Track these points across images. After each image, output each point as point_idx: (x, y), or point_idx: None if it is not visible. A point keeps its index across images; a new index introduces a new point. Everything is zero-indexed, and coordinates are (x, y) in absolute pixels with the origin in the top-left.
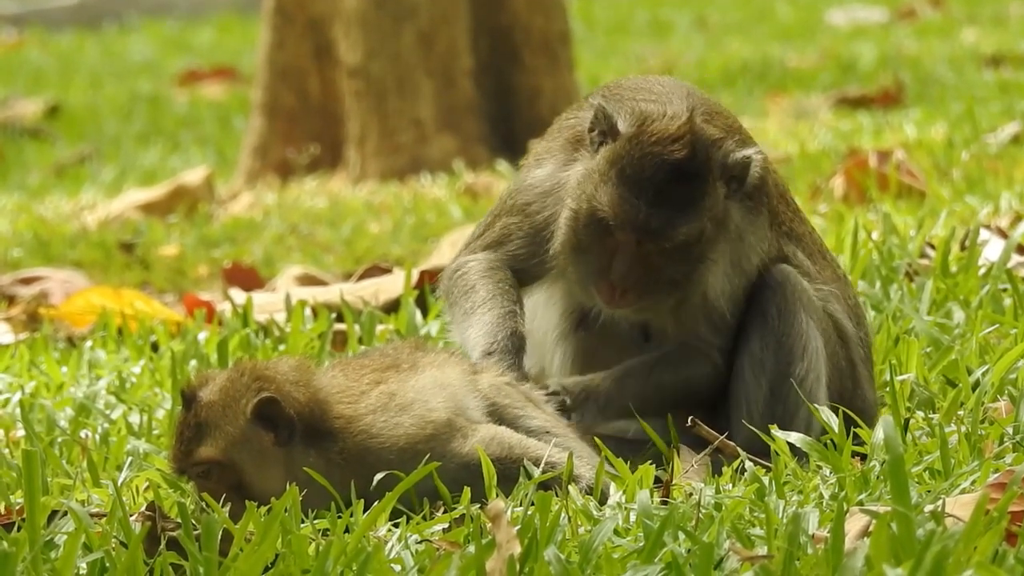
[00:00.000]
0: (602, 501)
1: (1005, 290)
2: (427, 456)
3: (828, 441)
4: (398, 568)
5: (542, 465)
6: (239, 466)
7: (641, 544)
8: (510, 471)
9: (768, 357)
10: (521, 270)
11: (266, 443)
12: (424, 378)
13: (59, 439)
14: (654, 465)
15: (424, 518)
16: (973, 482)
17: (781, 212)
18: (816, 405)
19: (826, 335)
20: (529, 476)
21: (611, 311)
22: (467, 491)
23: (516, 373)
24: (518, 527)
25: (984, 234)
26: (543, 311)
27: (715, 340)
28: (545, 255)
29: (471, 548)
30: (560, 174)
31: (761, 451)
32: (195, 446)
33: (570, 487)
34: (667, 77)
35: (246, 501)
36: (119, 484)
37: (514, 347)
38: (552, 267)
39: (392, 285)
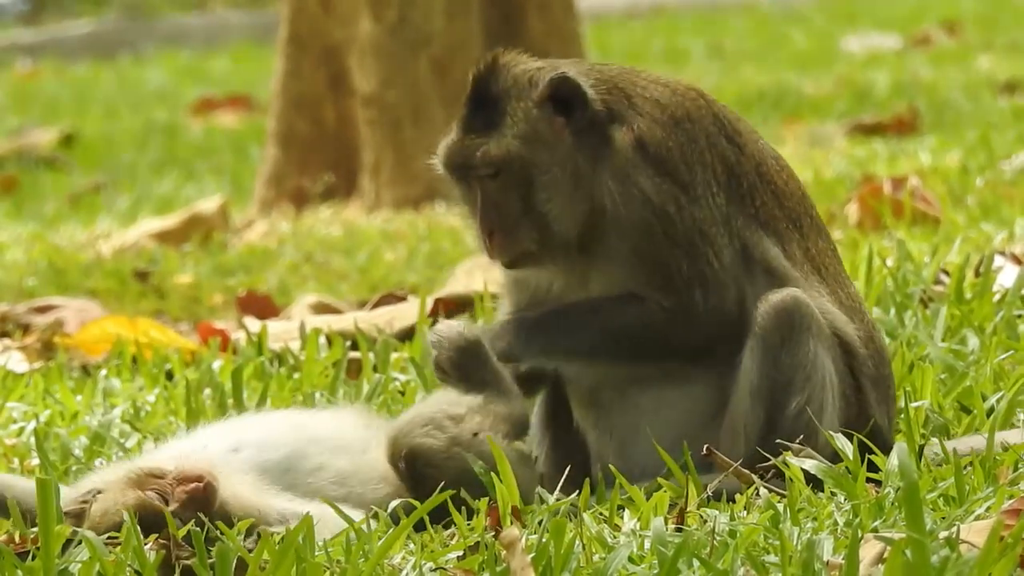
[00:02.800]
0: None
1: (1020, 316)
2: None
3: (843, 468)
4: None
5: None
6: None
7: (656, 571)
8: None
9: (765, 385)
10: None
11: None
12: None
13: (74, 467)
14: (668, 492)
15: (442, 544)
16: (988, 508)
17: (754, 197)
18: (821, 432)
19: (836, 363)
20: (544, 502)
21: (496, 263)
22: (481, 518)
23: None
24: (532, 554)
25: (999, 260)
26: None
27: (645, 287)
28: None
29: None
30: None
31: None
32: None
33: (585, 515)
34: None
35: None
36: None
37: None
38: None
39: (407, 313)
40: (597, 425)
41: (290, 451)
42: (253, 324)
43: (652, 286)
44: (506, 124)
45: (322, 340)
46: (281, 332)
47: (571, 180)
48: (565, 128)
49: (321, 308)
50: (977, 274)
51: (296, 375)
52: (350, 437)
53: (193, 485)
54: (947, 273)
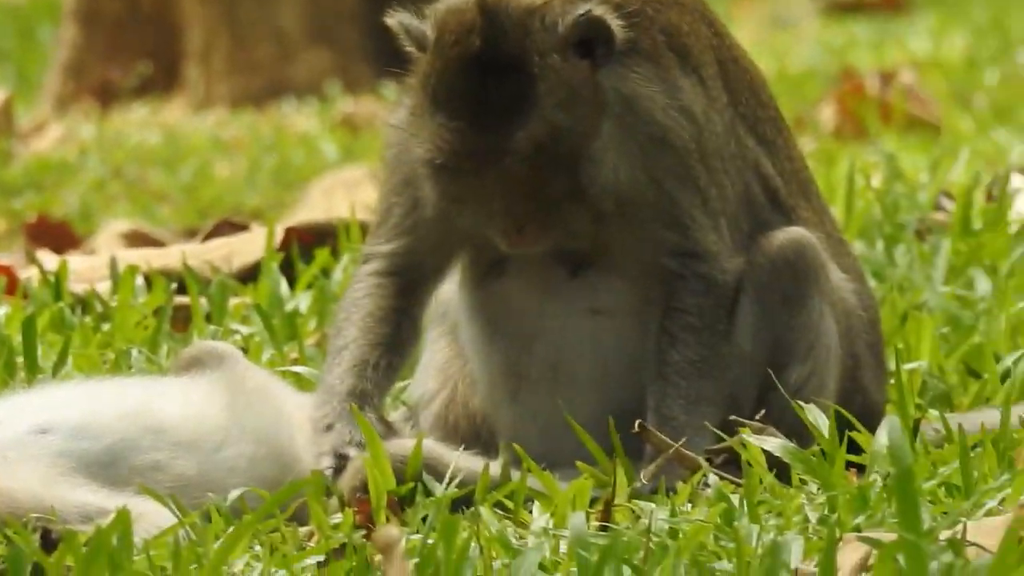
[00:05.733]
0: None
1: None
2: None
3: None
4: None
5: None
6: None
7: None
8: None
9: (760, 352)
10: (421, 261)
11: None
12: None
13: None
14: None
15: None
16: (1001, 501)
17: (738, 90)
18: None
19: (840, 326)
20: (429, 493)
21: (523, 252)
22: (349, 513)
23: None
24: (416, 560)
25: (1016, 180)
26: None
27: (691, 243)
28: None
29: None
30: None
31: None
32: None
33: (482, 508)
34: None
35: None
36: None
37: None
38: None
39: (249, 246)
40: (517, 400)
41: (117, 440)
42: (48, 259)
43: (678, 241)
44: (539, 91)
45: (139, 281)
46: (85, 270)
47: (619, 128)
48: (593, 70)
49: (136, 239)
50: (989, 198)
51: (106, 326)
52: (204, 427)
53: None
54: (950, 196)
